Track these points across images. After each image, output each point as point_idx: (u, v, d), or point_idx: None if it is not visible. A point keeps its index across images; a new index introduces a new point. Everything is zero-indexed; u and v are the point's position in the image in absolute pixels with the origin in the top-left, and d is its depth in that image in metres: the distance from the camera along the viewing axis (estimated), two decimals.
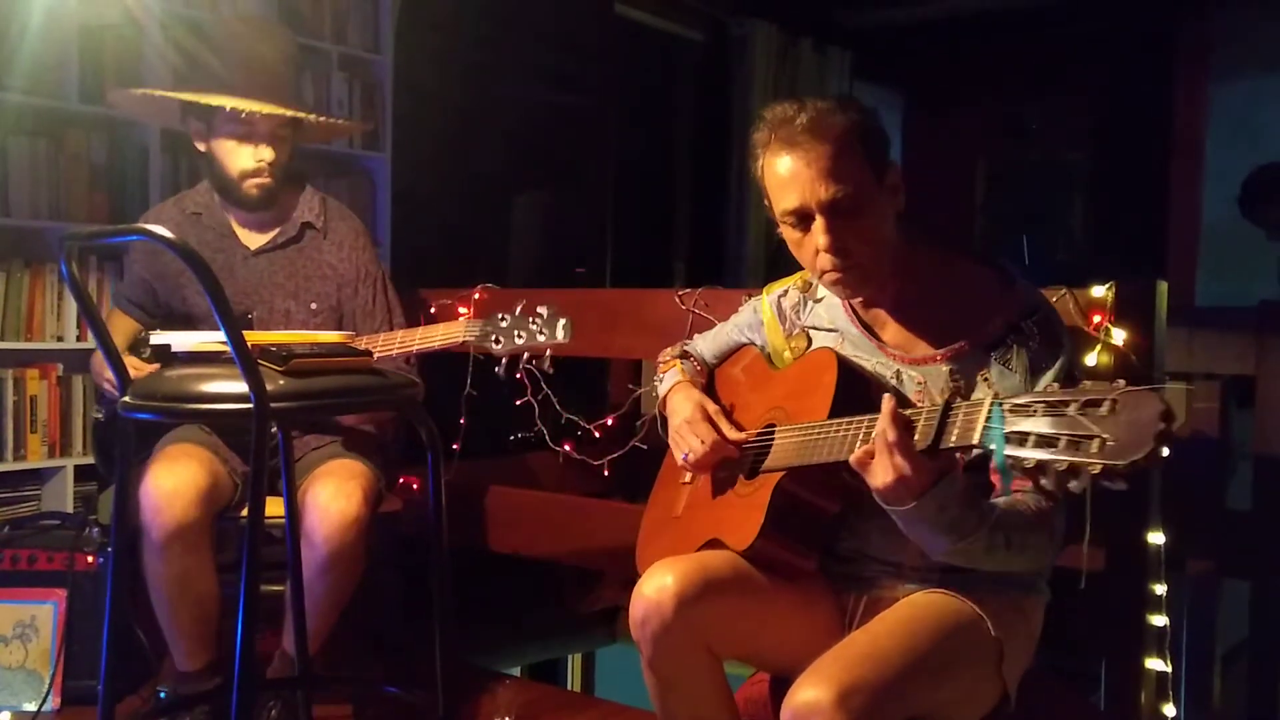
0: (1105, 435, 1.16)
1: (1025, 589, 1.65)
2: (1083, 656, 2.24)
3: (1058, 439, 1.20)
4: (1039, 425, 1.22)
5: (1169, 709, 2.13)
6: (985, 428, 1.28)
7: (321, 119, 2.44)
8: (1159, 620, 2.11)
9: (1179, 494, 2.44)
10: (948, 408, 1.36)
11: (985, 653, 1.55)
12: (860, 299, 1.70)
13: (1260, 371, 2.91)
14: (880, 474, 1.39)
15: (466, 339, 2.18)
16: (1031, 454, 1.21)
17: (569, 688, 4.33)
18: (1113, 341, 2.09)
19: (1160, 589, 2.11)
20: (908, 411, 1.42)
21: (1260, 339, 2.91)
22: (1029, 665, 1.66)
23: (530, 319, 2.13)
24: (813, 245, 1.59)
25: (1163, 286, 2.14)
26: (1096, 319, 2.11)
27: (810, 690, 1.39)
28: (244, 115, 2.30)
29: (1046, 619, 1.69)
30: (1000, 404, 1.27)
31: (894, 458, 1.38)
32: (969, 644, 1.53)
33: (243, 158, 2.37)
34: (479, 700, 2.70)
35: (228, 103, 2.27)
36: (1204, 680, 3.19)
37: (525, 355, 2.15)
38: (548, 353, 2.15)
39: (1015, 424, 1.24)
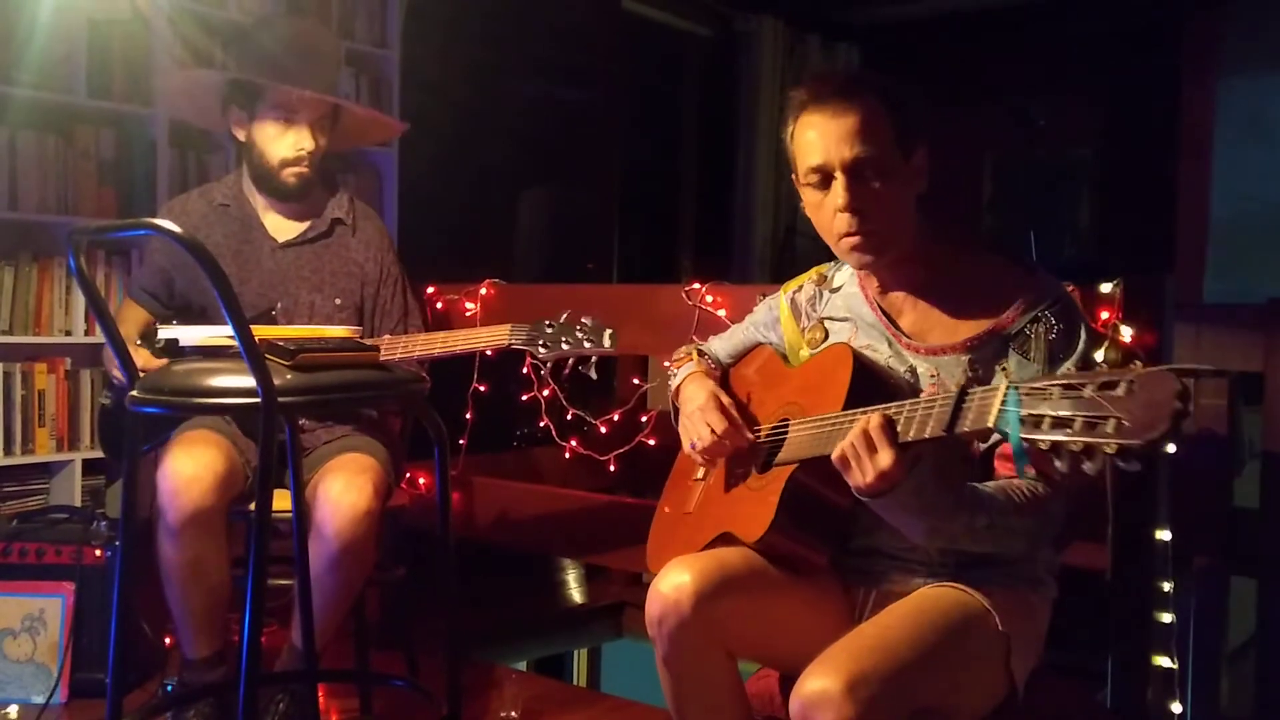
0: (1121, 415, 1.17)
1: (1033, 585, 1.65)
2: (1089, 653, 2.24)
3: (1073, 420, 1.20)
4: (1055, 408, 1.23)
5: (1175, 706, 2.12)
6: (1001, 411, 1.29)
7: (365, 111, 2.48)
8: (1166, 617, 2.11)
9: (1186, 491, 2.43)
10: (963, 393, 1.37)
11: (993, 647, 1.55)
12: (878, 282, 1.70)
13: (1269, 369, 2.90)
14: (859, 476, 1.44)
15: (513, 342, 2.22)
16: (1047, 436, 1.22)
17: (575, 683, 4.34)
18: (1120, 338, 2.08)
19: (1167, 586, 2.11)
20: (923, 397, 1.43)
21: (1269, 336, 2.90)
22: (1037, 662, 1.66)
23: (576, 327, 2.20)
24: (832, 205, 1.61)
25: (1171, 283, 2.13)
26: (1104, 315, 2.10)
27: (819, 680, 1.40)
28: (290, 99, 2.34)
29: (1053, 615, 1.69)
30: (1016, 388, 1.28)
31: (875, 461, 1.42)
32: (977, 638, 1.54)
33: (284, 145, 2.40)
34: (485, 694, 2.70)
35: (277, 82, 2.32)
36: (1211, 677, 3.18)
37: (570, 361, 2.21)
38: (593, 359, 2.22)
39: (1031, 407, 1.25)
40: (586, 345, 2.19)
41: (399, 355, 2.30)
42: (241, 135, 2.44)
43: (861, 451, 1.42)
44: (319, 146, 2.42)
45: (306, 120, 2.38)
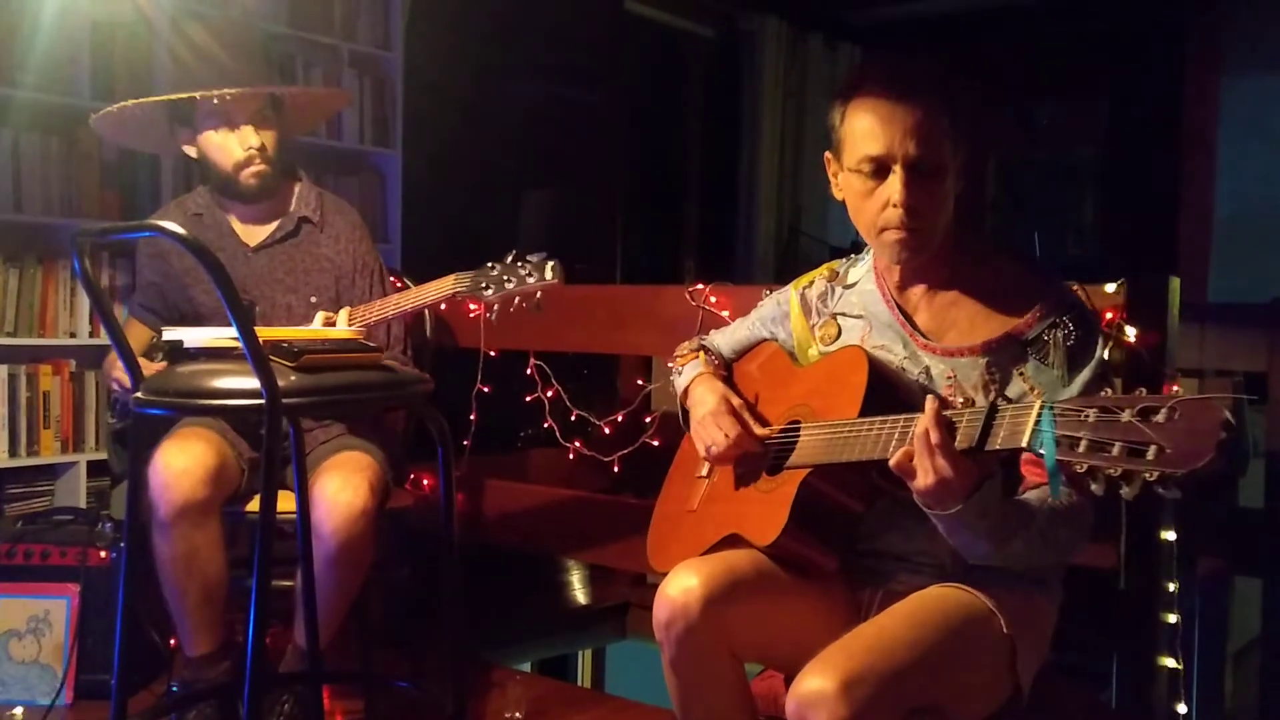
0: (1163, 442, 1.16)
1: (1039, 586, 1.64)
2: (1094, 654, 2.24)
3: (1111, 444, 1.19)
4: (1093, 431, 1.21)
5: (1180, 707, 2.12)
6: (1035, 431, 1.28)
7: (295, 90, 2.40)
8: (1171, 618, 2.10)
9: (1191, 491, 2.43)
10: (993, 410, 1.36)
11: (996, 648, 1.54)
12: (899, 277, 1.68)
13: (1273, 368, 2.90)
14: (921, 476, 1.40)
15: (457, 289, 2.19)
16: (1084, 459, 1.21)
17: (579, 683, 4.34)
18: (1125, 338, 2.08)
19: (1172, 586, 2.11)
20: (948, 412, 1.41)
21: (1273, 336, 2.90)
22: (1041, 664, 1.65)
23: (519, 264, 2.15)
24: (883, 198, 1.58)
25: (1175, 283, 2.13)
26: (1109, 315, 2.10)
27: (815, 679, 1.39)
28: (216, 102, 2.31)
29: (1058, 616, 1.69)
30: (1051, 407, 1.27)
31: (935, 459, 1.38)
32: (979, 639, 1.53)
33: (232, 150, 2.38)
34: (489, 695, 2.70)
35: (197, 92, 2.29)
36: (1215, 678, 3.18)
37: (516, 299, 2.16)
38: (538, 295, 2.16)
39: (1066, 428, 1.24)
40: (530, 280, 2.13)
41: (358, 324, 2.28)
42: (193, 152, 2.43)
43: (923, 450, 1.39)
44: (267, 138, 2.40)
45: (245, 118, 2.35)
